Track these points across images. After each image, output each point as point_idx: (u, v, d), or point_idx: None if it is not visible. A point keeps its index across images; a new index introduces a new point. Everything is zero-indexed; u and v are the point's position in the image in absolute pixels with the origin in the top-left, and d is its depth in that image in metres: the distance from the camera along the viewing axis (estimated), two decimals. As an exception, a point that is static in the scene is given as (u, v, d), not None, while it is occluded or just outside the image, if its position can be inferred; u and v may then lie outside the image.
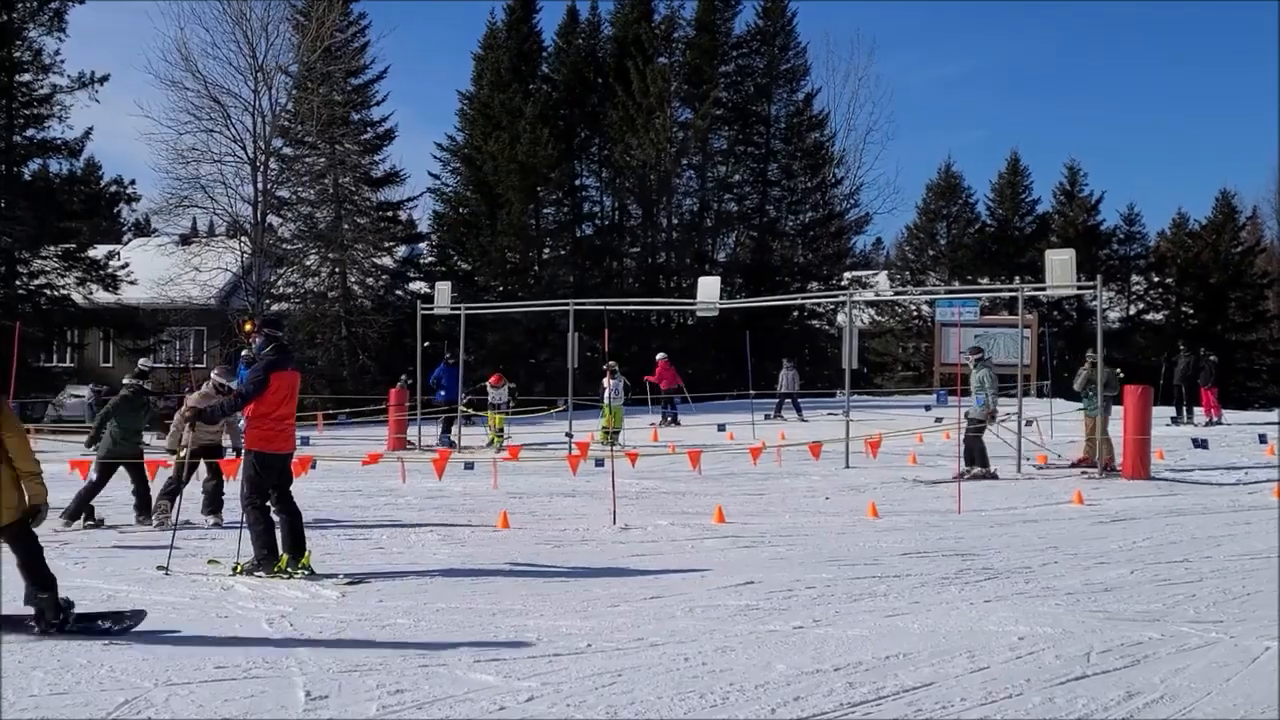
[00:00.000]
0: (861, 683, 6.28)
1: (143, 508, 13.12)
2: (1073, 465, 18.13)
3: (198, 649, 7.01)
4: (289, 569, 9.39)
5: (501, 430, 24.28)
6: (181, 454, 12.50)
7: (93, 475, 13.11)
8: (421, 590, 9.04)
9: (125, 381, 13.99)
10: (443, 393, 24.87)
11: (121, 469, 13.30)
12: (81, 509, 12.79)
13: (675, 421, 28.79)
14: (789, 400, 29.95)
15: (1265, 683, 6.33)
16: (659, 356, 29.93)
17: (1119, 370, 19.17)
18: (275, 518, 9.57)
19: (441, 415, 25.13)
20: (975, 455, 17.22)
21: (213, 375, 13.57)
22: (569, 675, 6.43)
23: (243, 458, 9.89)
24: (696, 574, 9.73)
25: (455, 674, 6.45)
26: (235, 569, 9.58)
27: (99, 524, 12.86)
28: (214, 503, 13.09)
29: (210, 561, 10.06)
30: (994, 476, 16.89)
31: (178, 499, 12.25)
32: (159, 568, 9.66)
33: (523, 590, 9.06)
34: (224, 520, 12.85)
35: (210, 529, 12.68)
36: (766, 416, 28.97)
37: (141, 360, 28.70)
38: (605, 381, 24.70)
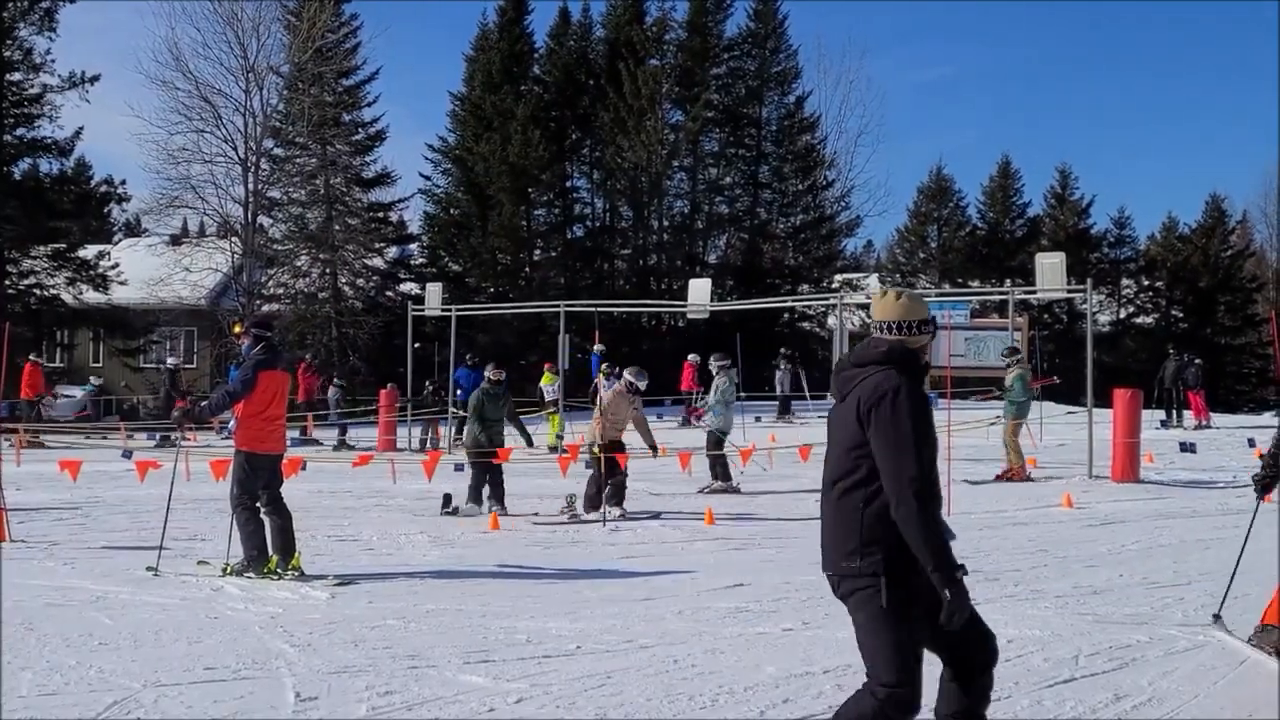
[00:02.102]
0: (850, 685, 6.23)
1: (498, 496, 14.09)
2: (996, 479, 17.14)
3: (187, 650, 7.02)
4: (278, 570, 9.40)
5: (560, 434, 24.07)
6: (596, 450, 13.87)
7: (471, 469, 14.31)
8: (411, 592, 9.05)
9: (488, 376, 14.81)
10: (460, 393, 24.78)
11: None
12: (478, 498, 14.03)
13: (690, 422, 28.62)
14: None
15: (1253, 686, 6.35)
16: (689, 357, 29.71)
17: (1026, 369, 18.11)
18: (265, 518, 9.57)
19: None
20: (718, 470, 16.40)
21: (625, 374, 14.65)
22: (559, 677, 6.44)
23: (233, 458, 9.88)
24: (687, 576, 9.74)
25: (445, 675, 6.46)
26: (225, 570, 9.58)
27: (454, 512, 13.82)
28: (618, 495, 13.82)
29: (200, 563, 10.05)
30: (736, 491, 16.15)
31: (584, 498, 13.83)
32: (148, 569, 9.65)
33: (513, 592, 9.07)
34: (628, 513, 13.71)
35: (616, 520, 13.31)
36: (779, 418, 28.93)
37: (170, 359, 28.78)
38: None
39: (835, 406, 4.48)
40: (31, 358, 26.63)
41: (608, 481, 13.78)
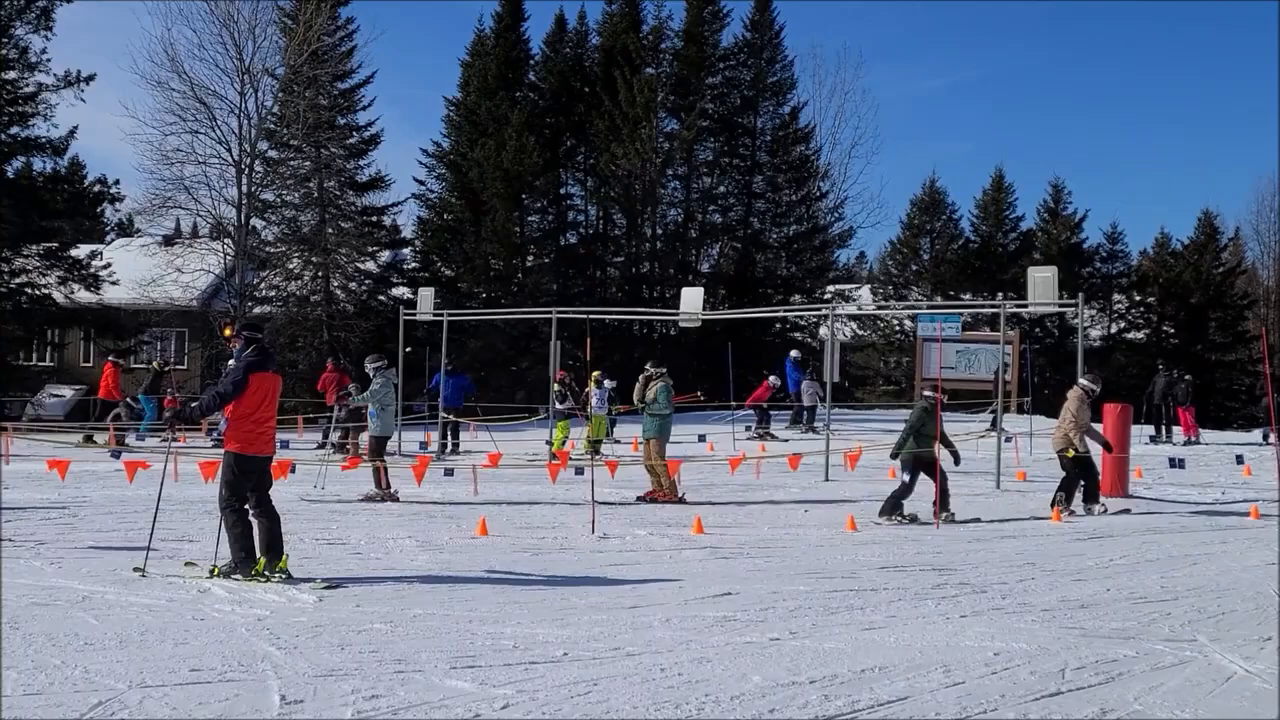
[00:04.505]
0: (837, 695, 6.29)
1: (943, 501, 14.42)
2: (639, 500, 16.28)
3: (173, 651, 7.00)
4: (266, 572, 9.38)
5: (565, 439, 23.93)
6: (1070, 454, 14.93)
7: (905, 477, 14.59)
8: (399, 596, 9.03)
9: (924, 394, 15.44)
10: (442, 400, 24.73)
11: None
12: (896, 509, 14.41)
13: (765, 435, 27.81)
14: (808, 411, 28.86)
15: (1239, 701, 6.37)
16: (770, 379, 28.78)
17: (669, 382, 17.00)
18: (253, 521, 9.55)
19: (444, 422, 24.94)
20: (375, 477, 15.91)
21: (1083, 380, 15.57)
22: (545, 683, 6.43)
23: (221, 459, 9.87)
24: (674, 584, 9.74)
25: (431, 680, 6.45)
26: (212, 571, 9.56)
27: (912, 519, 14.30)
28: (1093, 494, 15.12)
29: (187, 564, 10.03)
30: (395, 499, 15.69)
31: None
32: (135, 569, 9.63)
33: (500, 598, 9.06)
34: (1107, 508, 14.99)
35: (1098, 516, 14.65)
36: (810, 430, 28.33)
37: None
38: (591, 390, 24.68)
39: None
40: (111, 359, 26.84)
41: (1082, 482, 15.04)
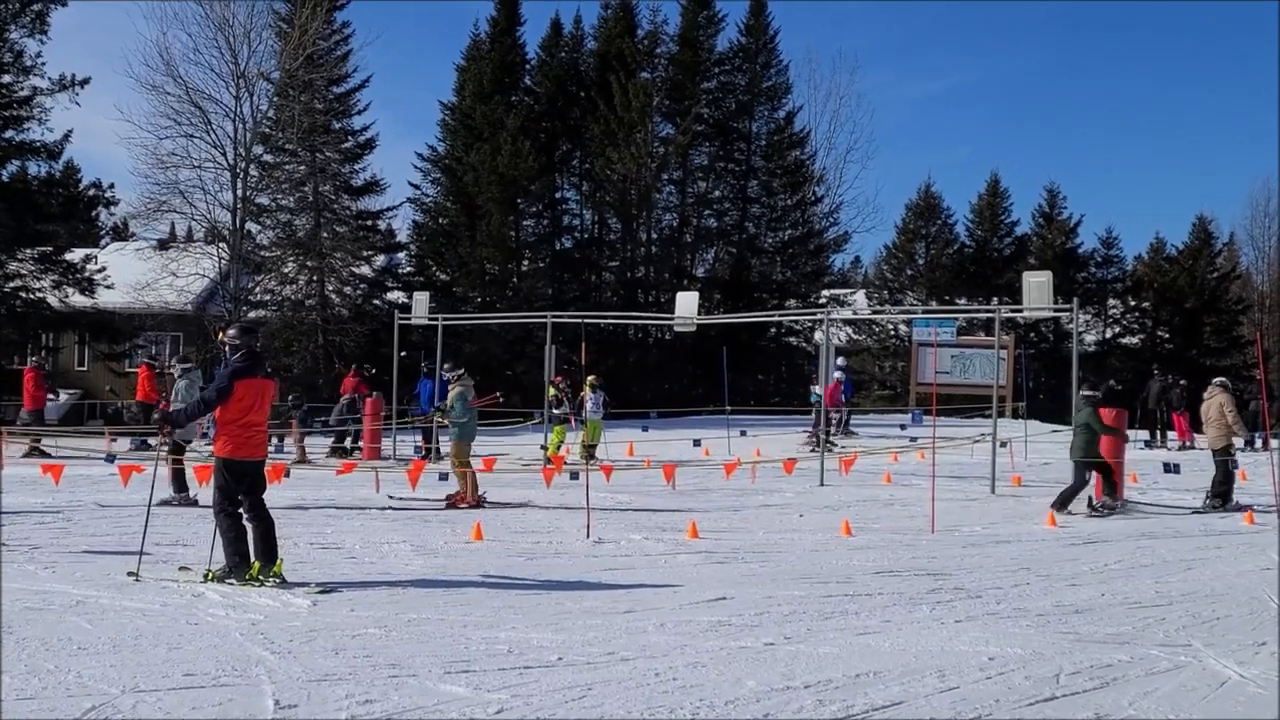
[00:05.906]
0: (831, 700, 6.28)
1: (1111, 490, 15.51)
2: (449, 505, 15.81)
3: (166, 656, 6.97)
4: (260, 577, 9.35)
5: (561, 443, 23.94)
6: (1231, 449, 16.05)
7: (1082, 473, 15.56)
8: (393, 600, 9.01)
9: (1084, 394, 16.08)
10: (420, 406, 24.77)
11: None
12: (1071, 499, 15.32)
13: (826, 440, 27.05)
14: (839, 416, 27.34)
15: (1233, 706, 6.37)
16: (836, 374, 28.50)
17: (470, 384, 16.69)
18: (247, 525, 9.54)
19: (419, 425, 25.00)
20: (173, 482, 15.39)
21: (1222, 380, 16.88)
22: (539, 688, 6.42)
23: (212, 464, 9.86)
24: (669, 589, 9.73)
25: (425, 685, 6.44)
26: (206, 576, 9.53)
27: (1109, 511, 15.23)
28: (1224, 494, 16.06)
29: (181, 568, 10.00)
30: (194, 503, 15.00)
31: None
32: (129, 573, 9.60)
33: (495, 602, 9.04)
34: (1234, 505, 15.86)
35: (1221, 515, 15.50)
36: (847, 433, 27.85)
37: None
38: (585, 394, 24.68)
39: None
40: (146, 361, 26.84)
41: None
